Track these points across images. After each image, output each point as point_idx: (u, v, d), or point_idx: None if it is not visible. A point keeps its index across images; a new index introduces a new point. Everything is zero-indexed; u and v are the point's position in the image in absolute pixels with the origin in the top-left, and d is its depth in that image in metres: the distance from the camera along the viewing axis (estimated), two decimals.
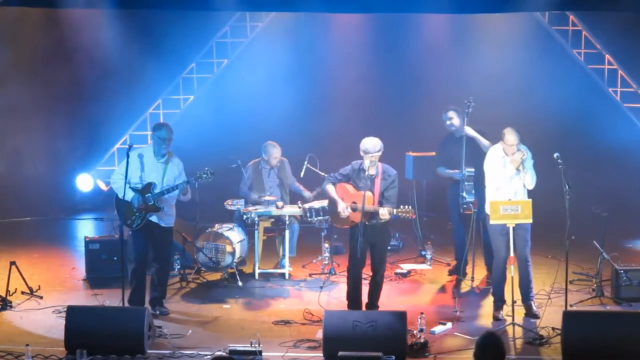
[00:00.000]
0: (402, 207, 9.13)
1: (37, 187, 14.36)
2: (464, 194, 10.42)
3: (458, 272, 10.83)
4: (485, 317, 9.51)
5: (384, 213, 9.06)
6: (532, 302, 9.48)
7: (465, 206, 10.44)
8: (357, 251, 9.17)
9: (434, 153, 11.54)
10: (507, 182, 9.33)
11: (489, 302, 9.74)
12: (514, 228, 9.12)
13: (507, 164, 9.34)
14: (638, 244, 11.89)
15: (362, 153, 9.20)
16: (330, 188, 9.44)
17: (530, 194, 9.48)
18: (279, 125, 13.49)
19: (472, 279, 10.60)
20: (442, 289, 10.61)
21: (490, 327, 9.05)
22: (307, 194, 11.27)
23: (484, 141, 10.41)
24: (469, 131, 10.46)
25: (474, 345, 5.78)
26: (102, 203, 14.43)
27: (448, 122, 10.81)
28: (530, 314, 9.40)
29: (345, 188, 9.38)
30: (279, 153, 11.30)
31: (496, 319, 9.33)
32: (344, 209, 9.27)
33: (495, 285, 9.52)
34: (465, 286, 10.58)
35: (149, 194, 9.44)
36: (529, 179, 9.37)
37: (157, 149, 9.54)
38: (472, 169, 10.46)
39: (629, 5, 10.49)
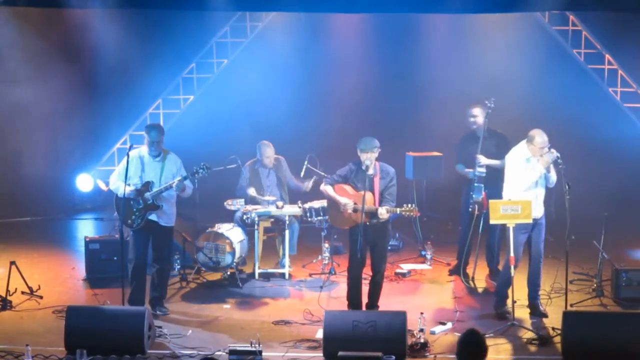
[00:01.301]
0: (405, 205, 9.14)
1: (37, 187, 14.33)
2: (472, 194, 10.37)
3: (458, 272, 10.82)
4: (485, 317, 9.49)
5: (382, 212, 9.06)
6: (539, 301, 9.44)
7: (472, 206, 10.37)
8: (357, 252, 9.16)
9: (434, 153, 11.52)
10: (533, 185, 9.24)
11: (489, 302, 9.74)
12: (532, 224, 9.14)
13: (535, 165, 9.21)
14: (638, 253, 11.80)
15: (359, 152, 9.20)
16: (328, 189, 9.43)
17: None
18: (279, 125, 13.48)
19: (473, 279, 10.60)
20: (442, 289, 10.60)
21: (492, 327, 9.05)
22: (305, 184, 11.20)
23: (497, 163, 10.35)
24: (485, 161, 10.34)
25: (456, 343, 5.75)
26: (102, 203, 14.40)
27: (471, 119, 10.66)
28: (537, 313, 9.35)
29: (344, 189, 9.36)
30: (272, 152, 11.27)
31: (501, 317, 9.28)
32: (347, 202, 9.24)
33: (502, 284, 9.45)
34: (465, 286, 10.58)
35: (148, 193, 9.45)
36: (555, 177, 9.34)
37: (149, 149, 9.56)
38: (484, 170, 10.37)
39: (628, 6, 10.49)
